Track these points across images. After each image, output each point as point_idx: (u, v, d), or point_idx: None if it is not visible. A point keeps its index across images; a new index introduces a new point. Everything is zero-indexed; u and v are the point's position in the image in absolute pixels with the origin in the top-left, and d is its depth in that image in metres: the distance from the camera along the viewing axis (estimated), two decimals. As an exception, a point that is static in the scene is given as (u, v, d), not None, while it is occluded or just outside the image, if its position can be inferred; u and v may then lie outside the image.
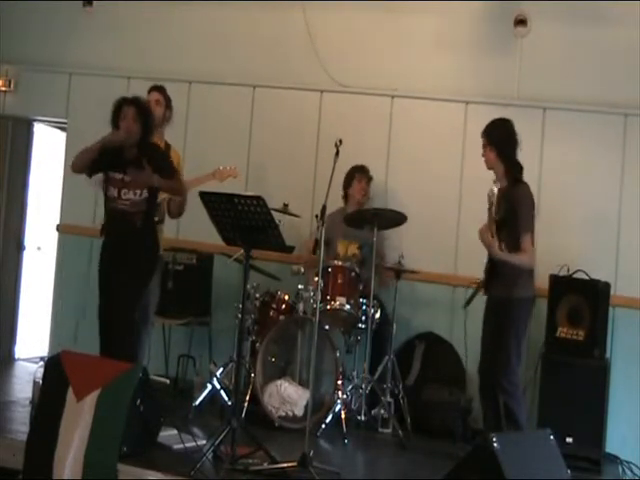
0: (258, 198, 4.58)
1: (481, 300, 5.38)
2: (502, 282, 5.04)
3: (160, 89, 5.92)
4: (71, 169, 5.33)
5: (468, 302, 5.34)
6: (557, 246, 5.65)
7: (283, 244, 4.76)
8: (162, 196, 5.58)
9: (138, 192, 5.17)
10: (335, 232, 6.14)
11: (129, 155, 5.22)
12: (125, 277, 5.22)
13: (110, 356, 5.12)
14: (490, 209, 4.93)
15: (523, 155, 5.24)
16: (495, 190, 4.95)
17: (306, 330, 5.76)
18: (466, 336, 5.37)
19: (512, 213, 4.99)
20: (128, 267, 5.23)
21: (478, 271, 5.75)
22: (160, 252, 5.64)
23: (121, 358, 4.97)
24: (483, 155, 5.22)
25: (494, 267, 5.06)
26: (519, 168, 5.16)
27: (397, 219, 5.90)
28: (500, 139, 5.15)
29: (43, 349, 7.18)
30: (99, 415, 4.31)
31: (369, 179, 6.30)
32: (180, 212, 5.85)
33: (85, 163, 5.22)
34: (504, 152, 5.14)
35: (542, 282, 5.58)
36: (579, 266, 5.74)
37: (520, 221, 5.00)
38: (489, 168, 5.22)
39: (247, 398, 5.55)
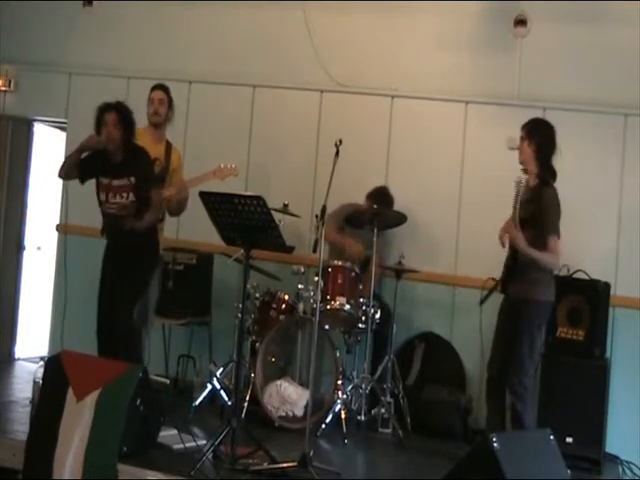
0: (258, 198, 4.58)
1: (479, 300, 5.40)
2: (522, 283, 5.01)
3: (164, 88, 5.93)
4: (58, 176, 5.51)
5: (484, 299, 5.30)
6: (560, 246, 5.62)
7: (283, 244, 4.77)
8: (166, 194, 5.60)
9: (125, 195, 5.25)
10: (342, 223, 6.15)
11: (115, 160, 5.31)
12: (122, 280, 5.26)
13: (110, 357, 5.13)
14: (516, 198, 4.88)
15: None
16: (523, 180, 4.90)
17: (306, 330, 5.76)
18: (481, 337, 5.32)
19: (539, 214, 4.95)
20: (125, 270, 5.28)
21: (478, 271, 5.78)
22: (160, 252, 5.65)
23: (122, 358, 4.98)
24: (518, 147, 5.17)
25: (515, 267, 5.02)
26: (552, 173, 5.11)
27: (397, 219, 5.90)
28: (542, 138, 5.11)
29: (43, 349, 7.18)
30: (99, 415, 4.31)
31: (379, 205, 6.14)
32: (180, 210, 5.85)
33: (68, 168, 5.39)
34: (541, 153, 5.10)
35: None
36: (579, 266, 5.74)
37: (548, 223, 4.96)
38: (521, 162, 5.17)
39: (247, 398, 5.55)
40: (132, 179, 5.26)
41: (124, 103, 5.41)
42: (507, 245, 5.09)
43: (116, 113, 5.26)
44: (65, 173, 5.46)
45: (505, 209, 5.21)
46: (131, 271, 5.32)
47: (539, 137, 5.11)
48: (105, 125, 5.25)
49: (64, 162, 5.45)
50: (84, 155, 5.35)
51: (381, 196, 6.19)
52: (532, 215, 4.96)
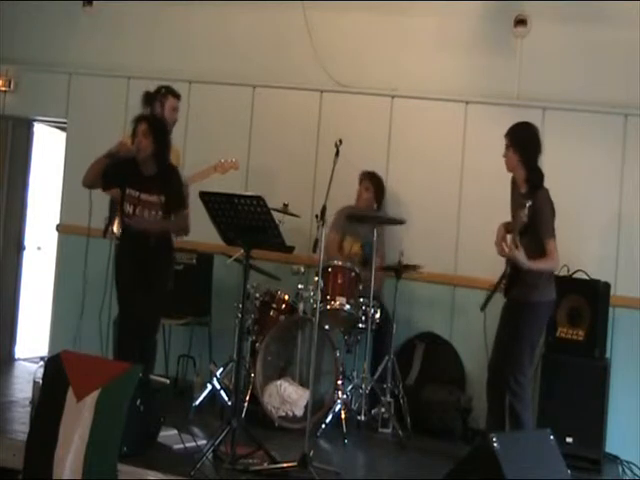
0: (258, 198, 4.58)
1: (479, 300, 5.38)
2: (523, 285, 5.00)
3: (177, 95, 5.88)
4: (82, 184, 5.31)
5: (485, 304, 5.26)
6: (557, 246, 5.64)
7: (283, 244, 4.77)
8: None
9: (154, 213, 5.20)
10: (344, 229, 6.16)
11: (146, 172, 5.26)
12: (147, 297, 5.26)
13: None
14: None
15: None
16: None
17: (306, 330, 5.76)
18: (485, 336, 5.31)
19: (534, 219, 4.87)
20: (149, 289, 5.27)
21: (478, 271, 5.78)
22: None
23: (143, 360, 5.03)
24: (504, 156, 5.11)
25: (516, 273, 5.01)
26: (540, 175, 5.05)
27: (396, 220, 5.92)
28: (524, 142, 5.07)
29: (43, 349, 7.18)
30: (99, 415, 4.31)
31: (374, 186, 6.22)
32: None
33: (95, 175, 5.23)
34: (527, 156, 5.05)
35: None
36: (579, 266, 5.74)
37: (544, 227, 4.93)
38: (509, 170, 5.14)
39: (247, 398, 5.55)
40: (162, 198, 5.20)
41: (156, 115, 5.47)
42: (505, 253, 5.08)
43: (146, 123, 5.23)
44: (90, 181, 5.26)
45: (505, 209, 5.22)
46: (153, 294, 5.31)
47: (521, 140, 5.08)
48: (137, 135, 5.21)
49: (90, 169, 5.25)
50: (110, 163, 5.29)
51: (375, 177, 6.24)
52: (528, 221, 4.94)
